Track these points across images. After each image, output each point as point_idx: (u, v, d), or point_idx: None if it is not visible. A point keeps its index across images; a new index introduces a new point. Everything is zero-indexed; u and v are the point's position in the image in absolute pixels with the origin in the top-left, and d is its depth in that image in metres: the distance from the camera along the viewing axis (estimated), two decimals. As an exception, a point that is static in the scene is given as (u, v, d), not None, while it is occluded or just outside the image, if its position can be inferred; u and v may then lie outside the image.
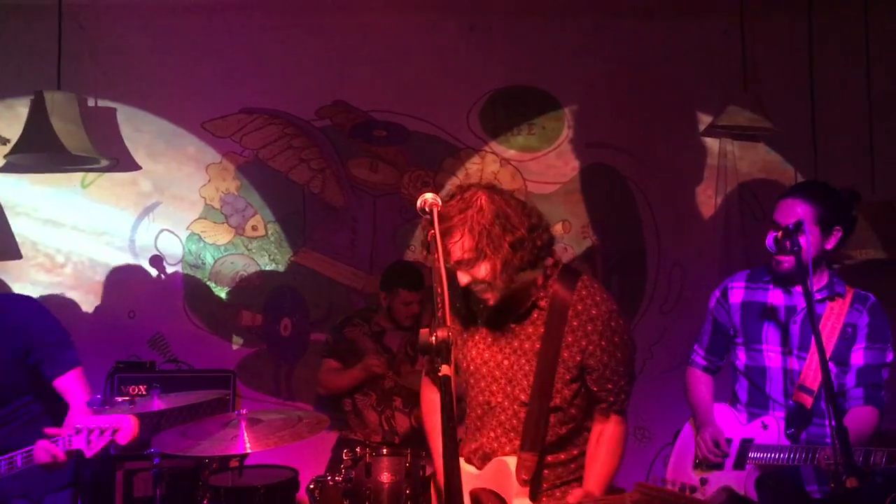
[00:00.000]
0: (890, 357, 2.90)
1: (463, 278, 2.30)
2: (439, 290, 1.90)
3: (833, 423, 2.36)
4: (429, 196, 2.04)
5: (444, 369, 1.81)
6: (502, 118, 4.81)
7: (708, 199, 4.87)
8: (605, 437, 2.41)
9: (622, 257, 4.88)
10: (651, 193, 4.87)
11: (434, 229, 1.97)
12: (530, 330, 2.37)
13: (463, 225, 2.24)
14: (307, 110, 4.63)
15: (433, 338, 1.84)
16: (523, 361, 2.37)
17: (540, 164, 4.84)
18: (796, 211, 2.84)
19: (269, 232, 4.61)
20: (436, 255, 1.95)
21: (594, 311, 2.33)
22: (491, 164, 4.80)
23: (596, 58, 4.82)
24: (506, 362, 2.40)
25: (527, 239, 2.26)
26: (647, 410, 4.76)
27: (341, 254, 4.66)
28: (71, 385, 2.95)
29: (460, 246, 2.24)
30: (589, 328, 2.33)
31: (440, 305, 1.89)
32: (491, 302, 2.34)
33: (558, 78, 4.82)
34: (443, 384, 1.82)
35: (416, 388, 3.89)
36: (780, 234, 2.76)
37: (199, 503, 3.23)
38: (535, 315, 2.37)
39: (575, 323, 2.32)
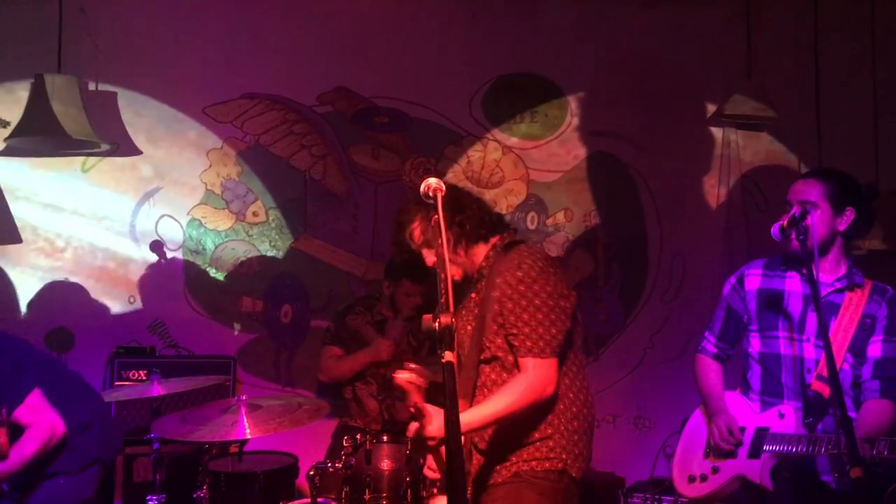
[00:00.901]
0: None
1: (430, 258, 2.53)
2: (443, 276, 1.89)
3: (838, 412, 2.34)
4: (433, 181, 2.03)
5: (448, 355, 1.80)
6: (505, 105, 4.79)
7: (711, 189, 4.86)
8: (511, 379, 2.43)
9: (624, 246, 4.87)
10: (653, 182, 4.86)
11: (438, 214, 1.96)
12: (476, 296, 2.57)
13: (419, 212, 2.52)
14: (309, 96, 4.61)
15: (436, 324, 1.82)
16: (475, 323, 2.52)
17: (542, 152, 4.82)
18: (807, 189, 2.85)
19: (270, 218, 4.59)
20: (439, 241, 1.94)
21: (505, 265, 2.45)
22: (493, 151, 4.79)
23: (599, 45, 4.80)
24: (469, 327, 2.55)
25: (475, 216, 2.54)
26: (649, 400, 4.78)
27: (342, 241, 4.65)
28: (22, 416, 2.85)
29: (420, 230, 2.53)
30: (499, 280, 2.44)
31: (443, 291, 1.88)
32: (457, 277, 2.54)
33: (561, 65, 4.80)
34: (445, 370, 1.81)
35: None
36: (785, 222, 2.74)
37: (199, 488, 3.23)
38: (481, 283, 2.55)
39: (497, 280, 2.45)
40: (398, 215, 2.61)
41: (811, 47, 4.70)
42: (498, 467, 2.45)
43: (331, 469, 3.23)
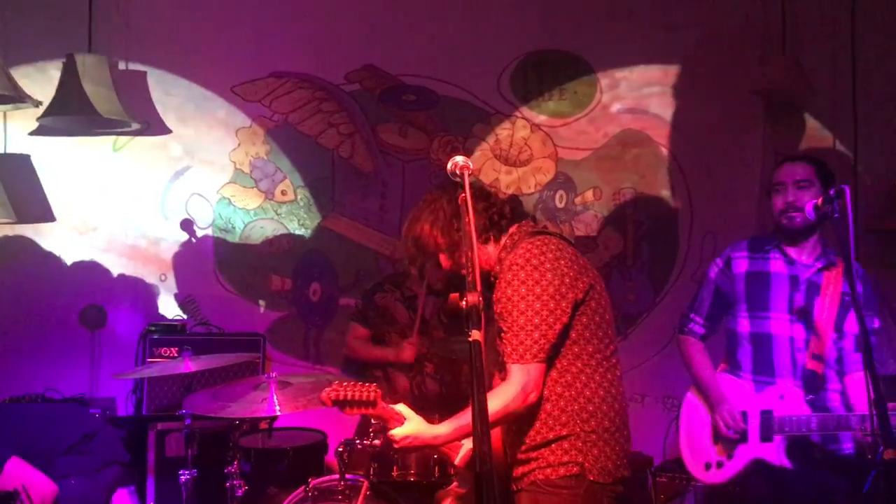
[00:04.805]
0: (877, 324, 3.05)
1: (445, 261, 2.51)
2: (470, 254, 1.88)
3: (872, 395, 2.32)
4: (459, 159, 2.03)
5: (475, 334, 1.80)
6: (534, 83, 4.74)
7: (743, 166, 4.78)
8: (497, 387, 2.35)
9: (654, 225, 4.82)
10: (684, 160, 4.79)
11: (465, 192, 1.95)
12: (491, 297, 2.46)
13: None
14: (336, 74, 4.60)
15: (463, 302, 1.82)
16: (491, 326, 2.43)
17: (571, 130, 4.78)
18: (801, 170, 3.09)
19: (299, 197, 4.61)
20: (466, 219, 1.94)
21: (506, 264, 2.37)
22: (521, 129, 4.75)
23: (629, 22, 4.73)
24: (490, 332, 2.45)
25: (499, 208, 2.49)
26: (677, 380, 4.72)
27: (370, 219, 4.66)
28: (5, 485, 2.80)
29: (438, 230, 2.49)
30: (499, 281, 2.37)
31: (470, 269, 1.87)
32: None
33: (591, 42, 4.73)
34: (472, 349, 1.80)
35: (448, 355, 3.93)
36: (819, 201, 2.73)
37: (230, 464, 3.27)
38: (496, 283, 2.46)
39: (499, 281, 2.38)
40: (410, 225, 2.53)
41: (849, 20, 4.59)
42: (519, 470, 2.42)
43: (359, 446, 3.25)
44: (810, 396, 2.99)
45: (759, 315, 3.10)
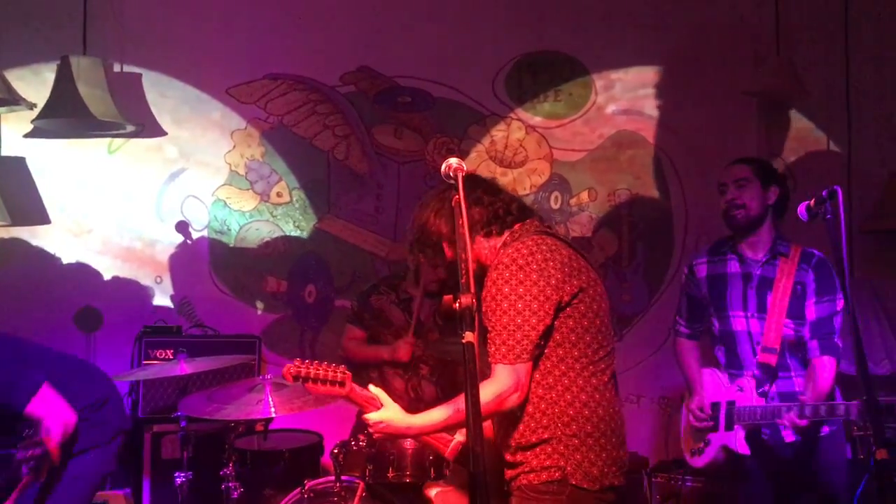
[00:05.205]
0: (840, 305, 3.14)
1: (449, 251, 2.47)
2: (463, 255, 1.89)
3: (864, 396, 2.36)
4: (453, 161, 2.03)
5: (468, 336, 1.80)
6: (529, 84, 4.75)
7: (737, 168, 4.80)
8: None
9: (649, 226, 4.83)
10: (679, 161, 4.81)
11: (459, 194, 1.96)
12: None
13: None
14: (331, 76, 4.61)
15: (457, 304, 1.83)
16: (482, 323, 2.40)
17: (566, 132, 4.79)
18: (739, 170, 3.26)
19: (294, 199, 4.61)
20: (459, 221, 1.94)
21: (494, 263, 2.33)
22: (516, 131, 4.76)
23: (624, 23, 4.74)
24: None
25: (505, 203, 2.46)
26: (673, 380, 4.74)
27: (365, 221, 4.66)
28: (35, 410, 2.80)
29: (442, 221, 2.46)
30: (486, 278, 2.33)
31: (464, 272, 1.88)
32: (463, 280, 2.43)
33: (586, 43, 4.75)
34: (465, 351, 1.81)
35: (443, 356, 3.93)
36: (812, 202, 2.74)
37: (226, 466, 3.27)
38: None
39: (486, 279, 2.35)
40: (417, 213, 2.52)
41: (841, 21, 4.60)
42: (508, 473, 2.41)
43: (355, 447, 3.25)
44: (763, 388, 3.18)
45: (723, 315, 3.30)
